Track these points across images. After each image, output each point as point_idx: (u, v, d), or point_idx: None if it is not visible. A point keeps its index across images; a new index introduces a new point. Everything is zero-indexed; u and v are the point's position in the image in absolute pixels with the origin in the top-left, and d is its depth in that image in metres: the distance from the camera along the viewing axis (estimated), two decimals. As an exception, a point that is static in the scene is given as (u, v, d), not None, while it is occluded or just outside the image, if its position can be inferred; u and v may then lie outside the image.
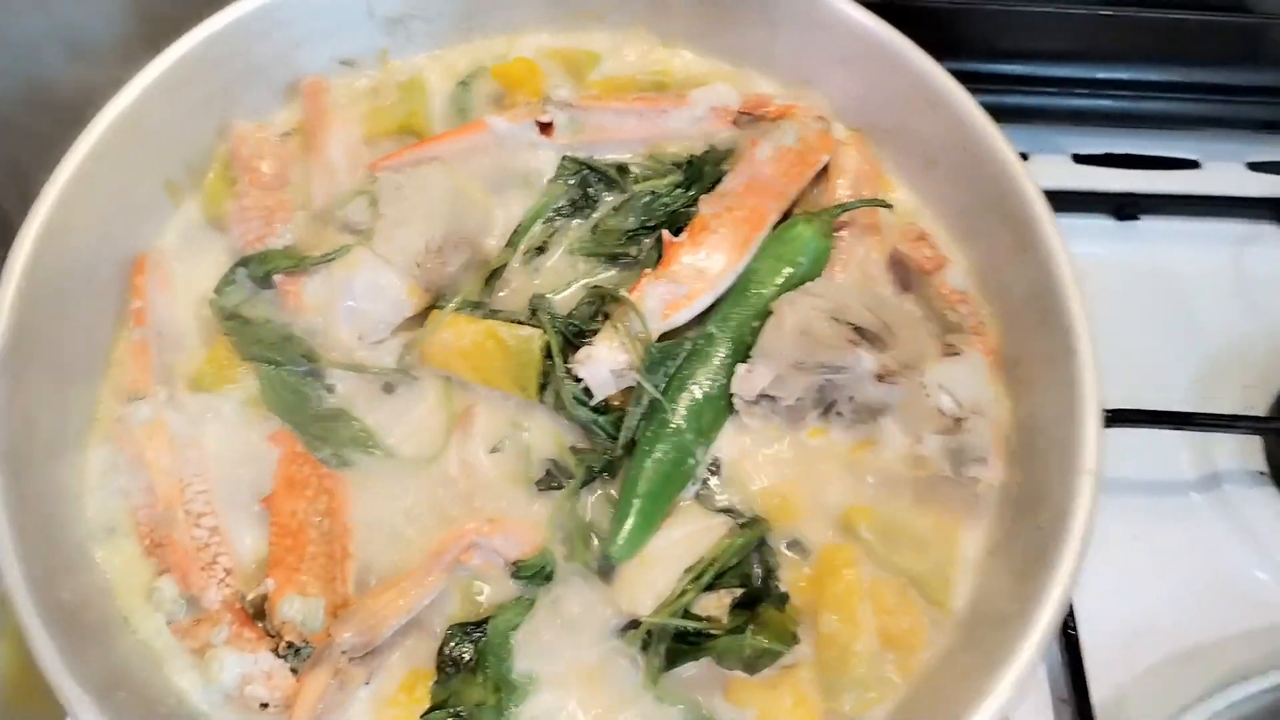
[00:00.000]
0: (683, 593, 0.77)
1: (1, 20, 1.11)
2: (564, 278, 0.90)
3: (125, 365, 0.85)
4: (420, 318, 0.86)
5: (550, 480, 0.82)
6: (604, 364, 0.81)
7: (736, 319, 0.85)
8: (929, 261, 0.88)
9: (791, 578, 0.80)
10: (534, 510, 0.81)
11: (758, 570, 0.80)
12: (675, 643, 0.76)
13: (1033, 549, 0.76)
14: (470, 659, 0.76)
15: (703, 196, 0.89)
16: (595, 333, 0.84)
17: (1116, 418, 0.96)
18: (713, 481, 0.83)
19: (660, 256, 0.87)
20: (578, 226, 0.92)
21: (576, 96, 0.94)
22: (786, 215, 0.90)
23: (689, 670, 0.76)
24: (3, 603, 0.71)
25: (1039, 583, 0.73)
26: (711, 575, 0.78)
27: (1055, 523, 0.75)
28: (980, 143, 0.88)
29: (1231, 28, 1.14)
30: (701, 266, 0.85)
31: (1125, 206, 1.16)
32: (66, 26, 1.15)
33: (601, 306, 0.86)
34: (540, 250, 0.91)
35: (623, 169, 0.93)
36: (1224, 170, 1.19)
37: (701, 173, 0.92)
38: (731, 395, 0.83)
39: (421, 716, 0.75)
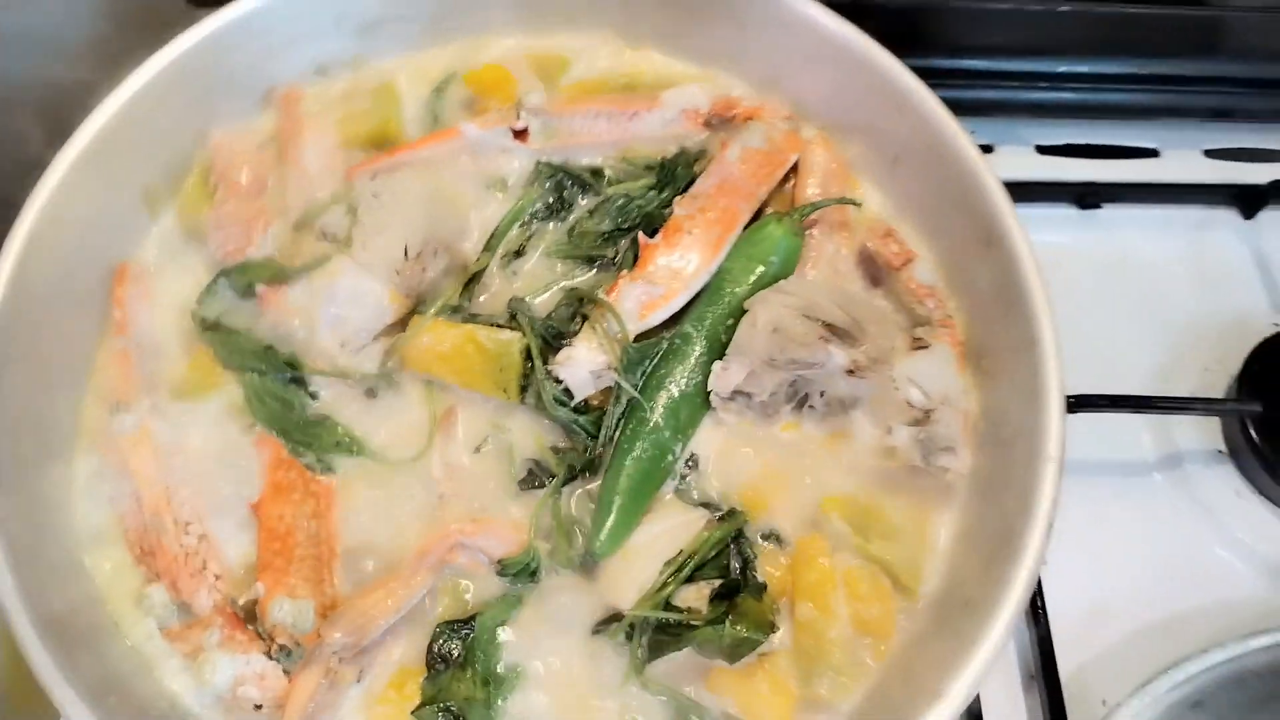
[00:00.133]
0: (664, 585, 0.80)
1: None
2: (542, 280, 0.92)
3: (108, 374, 0.86)
4: (401, 323, 0.88)
5: (532, 479, 0.84)
6: (583, 365, 0.83)
7: (711, 318, 0.87)
8: (897, 257, 0.91)
9: (769, 568, 0.82)
10: (517, 509, 0.83)
11: (736, 562, 0.82)
12: (657, 634, 0.78)
13: (1000, 534, 0.79)
14: (459, 655, 0.78)
15: (676, 198, 0.91)
16: (574, 334, 0.86)
17: (1080, 403, 0.99)
18: (691, 476, 0.85)
19: (636, 258, 0.88)
20: (554, 229, 0.94)
21: (549, 102, 0.95)
22: (758, 215, 0.92)
23: (671, 660, 0.79)
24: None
25: (1006, 566, 0.76)
26: (691, 568, 0.80)
27: (1021, 508, 0.77)
28: (943, 140, 0.90)
29: (1186, 20, 1.16)
30: (676, 267, 0.87)
31: (1087, 195, 1.19)
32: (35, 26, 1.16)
33: (579, 308, 0.87)
34: (518, 254, 0.92)
35: (597, 172, 0.95)
36: (1182, 158, 1.22)
37: (674, 174, 0.94)
38: (708, 392, 0.85)
39: (412, 713, 0.76)
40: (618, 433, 0.83)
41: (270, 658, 0.76)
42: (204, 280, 0.90)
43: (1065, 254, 1.13)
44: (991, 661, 0.73)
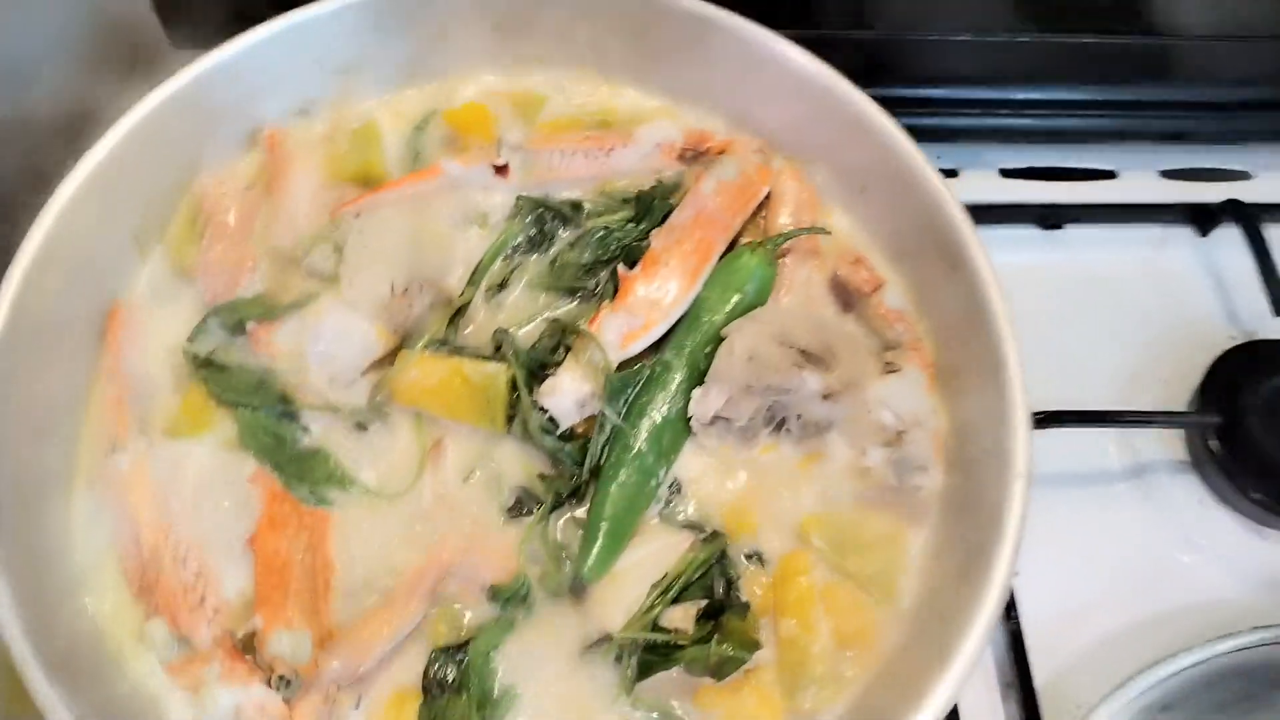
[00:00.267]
0: (651, 607, 0.82)
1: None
2: (525, 312, 0.94)
3: (102, 415, 0.88)
4: (389, 358, 0.90)
5: (521, 507, 0.86)
6: (568, 394, 0.86)
7: (690, 346, 0.89)
8: (867, 283, 0.94)
9: (752, 587, 0.85)
10: (507, 536, 0.85)
11: (720, 582, 0.84)
12: (646, 654, 0.81)
13: (972, 548, 0.81)
14: (454, 680, 0.80)
15: (654, 230, 0.93)
16: (558, 365, 0.88)
17: (1048, 419, 1.03)
18: (675, 500, 0.87)
19: (616, 289, 0.91)
20: (536, 262, 0.96)
21: (528, 139, 0.98)
22: (732, 245, 0.95)
23: (660, 679, 0.81)
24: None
25: (979, 580, 0.78)
26: (677, 589, 0.82)
27: (991, 523, 0.80)
28: (908, 168, 0.93)
29: (1140, 48, 1.21)
30: (655, 297, 0.90)
31: (1049, 216, 1.23)
32: (15, 67, 1.17)
33: (562, 339, 0.90)
34: (501, 287, 0.95)
35: (576, 206, 0.98)
36: (1139, 179, 1.27)
37: (651, 207, 0.96)
38: (689, 418, 0.87)
39: (409, 738, 0.79)
40: (603, 460, 0.86)
41: (270, 688, 0.77)
42: (194, 319, 0.91)
43: (1029, 274, 1.16)
44: (968, 671, 0.76)
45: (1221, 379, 1.10)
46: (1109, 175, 1.27)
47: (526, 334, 0.93)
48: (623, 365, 0.89)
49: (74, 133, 0.93)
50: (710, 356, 0.88)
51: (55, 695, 0.72)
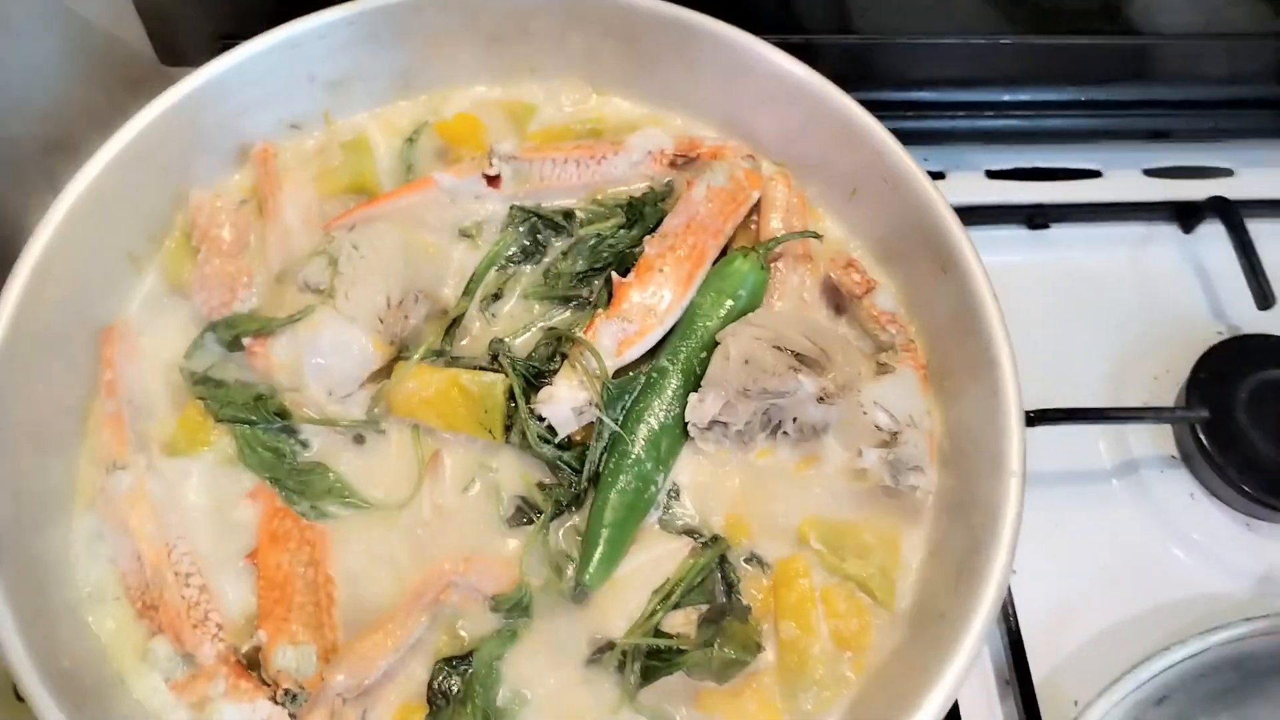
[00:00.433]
0: (652, 613, 0.83)
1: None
2: (520, 321, 0.95)
3: (101, 435, 0.88)
4: (386, 370, 0.90)
5: (520, 516, 0.87)
6: (565, 402, 0.86)
7: (685, 351, 0.90)
8: (859, 286, 0.95)
9: (752, 590, 0.86)
10: (507, 546, 0.86)
11: (721, 586, 0.85)
12: (649, 660, 0.81)
13: (969, 547, 0.82)
14: (459, 691, 0.80)
15: (647, 237, 0.94)
16: (554, 373, 0.88)
17: (1039, 417, 1.04)
18: (674, 505, 0.88)
19: (610, 296, 0.92)
20: (530, 272, 0.97)
21: (519, 149, 0.99)
22: (725, 250, 0.96)
23: (663, 684, 0.81)
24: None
25: (976, 578, 0.79)
26: (679, 594, 0.83)
27: (987, 522, 0.81)
28: (897, 171, 0.94)
29: (1121, 48, 1.23)
30: (650, 304, 0.91)
31: (1036, 216, 1.24)
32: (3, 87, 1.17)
33: (558, 347, 0.91)
34: (496, 297, 0.95)
35: (569, 214, 0.98)
36: (1123, 178, 1.28)
37: (643, 214, 0.97)
38: (686, 424, 0.88)
39: (417, 749, 0.79)
40: (601, 467, 0.86)
41: (276, 703, 0.78)
42: (190, 336, 0.92)
43: (1018, 273, 1.18)
44: (967, 669, 0.76)
45: (1209, 374, 1.11)
46: (1094, 174, 1.29)
47: (522, 343, 0.93)
48: (619, 372, 0.89)
49: (66, 152, 0.93)
50: (705, 362, 0.89)
51: (60, 713, 0.72)
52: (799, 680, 0.82)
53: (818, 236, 0.98)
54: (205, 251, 0.93)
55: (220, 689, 0.77)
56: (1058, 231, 1.25)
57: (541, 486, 0.88)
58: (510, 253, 0.97)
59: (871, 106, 0.96)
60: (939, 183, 0.93)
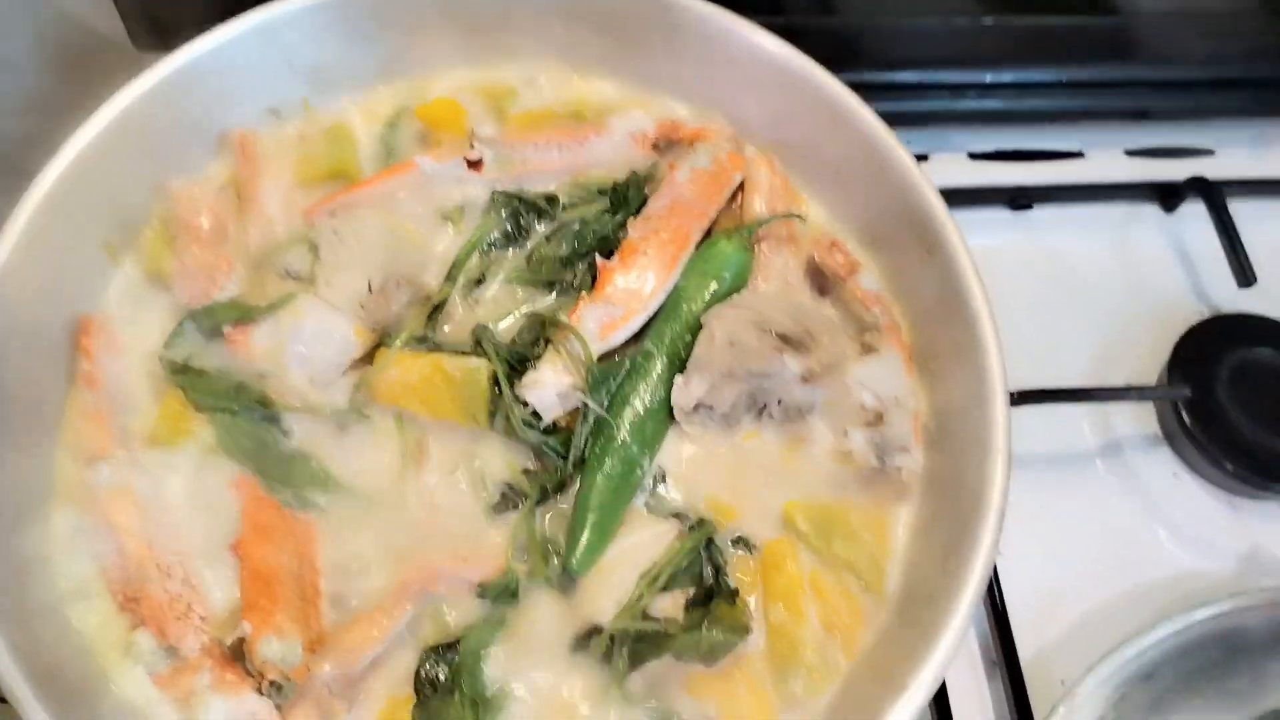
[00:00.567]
0: (640, 597, 0.82)
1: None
2: (504, 307, 0.94)
3: (79, 428, 0.86)
4: (368, 357, 0.89)
5: (506, 503, 0.86)
6: (550, 387, 0.86)
7: (670, 334, 0.90)
8: (843, 267, 0.95)
9: (740, 573, 0.85)
10: (493, 533, 0.85)
11: (708, 569, 0.85)
12: (637, 644, 0.81)
13: (955, 527, 0.82)
14: (446, 680, 0.79)
15: (630, 220, 0.93)
16: (538, 358, 0.88)
17: (1023, 398, 1.04)
18: (660, 489, 0.88)
19: (594, 280, 0.91)
20: (513, 256, 0.96)
21: (501, 132, 0.98)
22: (709, 233, 0.96)
23: (652, 669, 0.81)
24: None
25: (963, 559, 0.79)
26: (666, 578, 0.83)
27: (973, 502, 0.81)
28: (881, 152, 0.94)
29: (1101, 28, 1.23)
30: (634, 287, 0.90)
31: (1019, 197, 1.25)
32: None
33: (542, 332, 0.90)
34: (479, 282, 0.94)
35: (551, 198, 0.97)
36: (1105, 158, 1.29)
37: (626, 198, 0.97)
38: (671, 407, 0.88)
39: (404, 739, 0.78)
40: (586, 452, 0.86)
41: (261, 694, 0.77)
42: (169, 327, 0.90)
43: (1001, 254, 1.19)
44: (954, 651, 0.76)
45: (1190, 353, 1.12)
46: (1076, 155, 1.29)
47: (506, 328, 0.92)
48: (604, 357, 0.89)
49: (38, 139, 0.91)
50: (690, 345, 0.89)
51: (43, 711, 0.71)
52: (788, 664, 0.82)
53: (801, 218, 0.98)
54: (184, 240, 0.91)
55: (205, 681, 0.76)
56: (1040, 212, 1.25)
57: (527, 472, 0.87)
58: (493, 237, 0.96)
59: (853, 88, 0.95)
60: (922, 165, 0.93)
